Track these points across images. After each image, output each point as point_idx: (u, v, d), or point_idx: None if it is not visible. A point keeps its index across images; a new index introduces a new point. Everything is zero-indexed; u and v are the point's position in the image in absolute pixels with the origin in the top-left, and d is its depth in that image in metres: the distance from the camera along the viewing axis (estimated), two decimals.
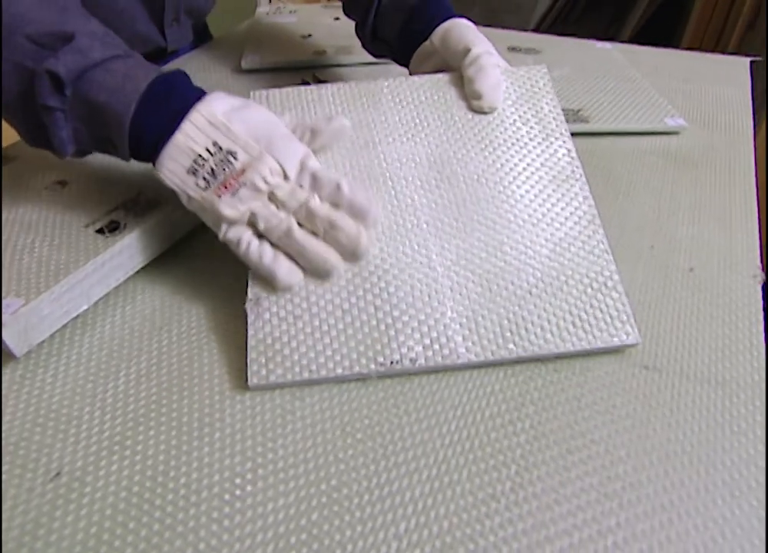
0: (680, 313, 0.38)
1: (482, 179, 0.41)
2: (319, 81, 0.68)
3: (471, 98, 0.45)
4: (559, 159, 0.43)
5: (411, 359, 0.35)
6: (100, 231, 0.41)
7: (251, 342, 0.35)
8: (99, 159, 0.48)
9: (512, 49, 0.75)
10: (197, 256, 0.44)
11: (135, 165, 0.46)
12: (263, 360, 0.35)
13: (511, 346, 0.35)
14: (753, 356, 0.35)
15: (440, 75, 0.47)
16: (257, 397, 0.34)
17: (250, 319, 0.36)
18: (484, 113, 0.44)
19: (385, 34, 0.54)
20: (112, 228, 0.41)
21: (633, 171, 0.53)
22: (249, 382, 0.34)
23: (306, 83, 0.68)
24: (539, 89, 0.46)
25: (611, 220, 0.47)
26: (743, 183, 0.51)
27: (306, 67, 0.71)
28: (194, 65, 0.73)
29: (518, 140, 0.43)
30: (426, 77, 0.47)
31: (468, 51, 0.46)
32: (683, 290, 0.40)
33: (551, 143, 0.43)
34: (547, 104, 0.45)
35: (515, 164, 0.42)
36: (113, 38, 0.38)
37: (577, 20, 2.83)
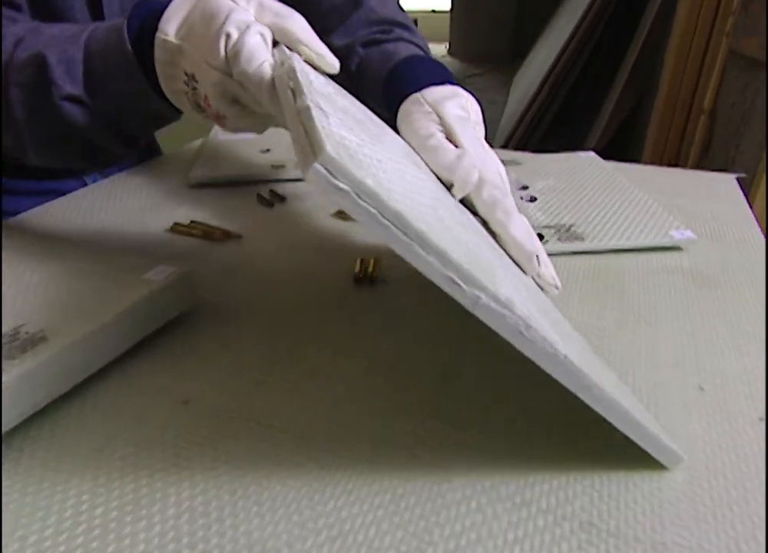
0: (755, 490, 0.27)
1: None
2: (277, 196, 0.61)
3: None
4: None
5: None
6: None
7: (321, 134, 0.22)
8: None
9: None
10: (96, 409, 0.31)
11: (21, 292, 0.36)
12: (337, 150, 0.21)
13: None
14: None
15: None
16: None
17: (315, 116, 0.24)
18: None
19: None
20: None
21: (648, 292, 0.44)
22: (325, 152, 0.20)
23: (262, 198, 0.60)
24: None
25: (640, 353, 0.37)
26: None
27: (263, 181, 0.64)
28: (137, 180, 0.65)
29: None
30: None
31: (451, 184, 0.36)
32: (755, 446, 0.29)
33: None
34: None
35: None
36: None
37: (538, 143, 2.99)
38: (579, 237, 0.51)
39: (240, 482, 0.27)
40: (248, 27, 0.32)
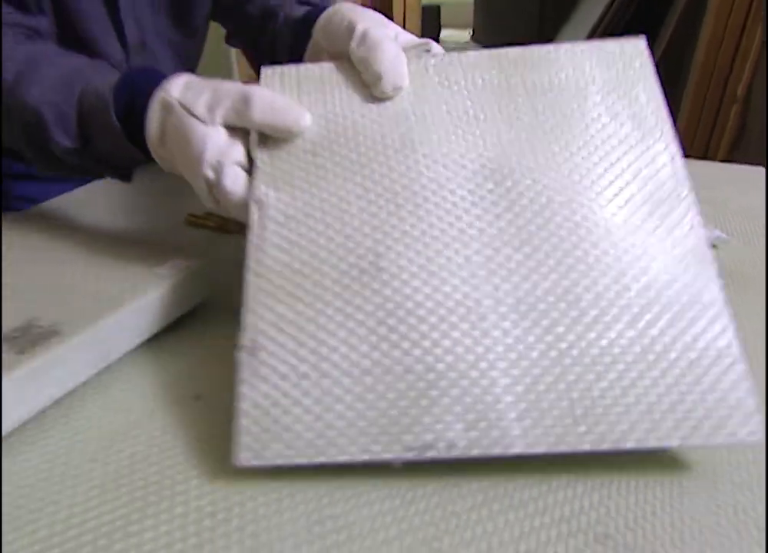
0: None
1: (555, 198, 0.32)
2: None
3: (370, 85, 0.37)
4: (658, 170, 0.33)
5: (447, 442, 0.26)
6: None
7: (243, 405, 0.28)
8: None
9: None
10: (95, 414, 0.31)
11: (34, 284, 0.36)
12: (258, 431, 0.27)
13: (581, 429, 0.26)
14: None
15: (502, 51, 0.37)
16: None
17: (243, 374, 0.29)
18: (390, 97, 0.36)
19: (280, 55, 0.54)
20: None
21: None
22: (237, 460, 0.27)
23: None
24: (633, 71, 0.36)
25: None
26: None
27: None
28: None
29: (602, 142, 0.34)
30: (486, 53, 0.38)
31: (352, 29, 0.39)
32: None
33: (648, 147, 0.34)
34: (644, 92, 0.35)
35: (598, 177, 0.33)
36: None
37: None
38: None
39: (249, 482, 0.27)
40: (222, 166, 0.34)
